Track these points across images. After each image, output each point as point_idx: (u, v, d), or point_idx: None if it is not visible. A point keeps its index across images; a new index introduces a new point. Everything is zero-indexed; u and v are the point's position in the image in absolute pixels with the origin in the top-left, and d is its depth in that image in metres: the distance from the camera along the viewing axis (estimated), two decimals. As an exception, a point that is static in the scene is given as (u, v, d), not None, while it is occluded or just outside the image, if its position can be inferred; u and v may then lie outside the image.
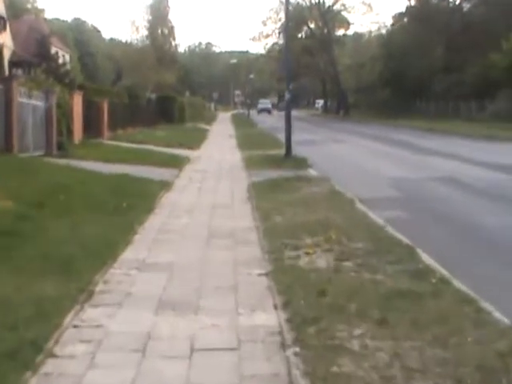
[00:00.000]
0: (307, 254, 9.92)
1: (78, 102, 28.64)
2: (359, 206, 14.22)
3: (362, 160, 27.75)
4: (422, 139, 40.78)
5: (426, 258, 9.48)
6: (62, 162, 20.56)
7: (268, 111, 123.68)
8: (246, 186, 18.25)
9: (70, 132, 26.17)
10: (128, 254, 10.08)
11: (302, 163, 23.58)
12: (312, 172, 21.46)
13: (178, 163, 24.49)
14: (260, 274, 8.97)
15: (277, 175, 20.28)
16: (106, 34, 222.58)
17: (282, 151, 28.70)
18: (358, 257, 9.60)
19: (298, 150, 25.96)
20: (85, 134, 29.48)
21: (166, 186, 18.13)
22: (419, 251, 9.80)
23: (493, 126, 48.21)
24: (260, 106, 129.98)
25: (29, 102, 21.78)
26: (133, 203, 14.21)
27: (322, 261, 9.47)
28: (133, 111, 43.47)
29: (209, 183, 19.61)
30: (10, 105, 19.69)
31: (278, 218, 12.84)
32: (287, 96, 25.42)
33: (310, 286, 8.09)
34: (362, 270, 8.93)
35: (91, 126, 31.23)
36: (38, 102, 22.76)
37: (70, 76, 56.73)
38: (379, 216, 13.10)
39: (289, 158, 24.88)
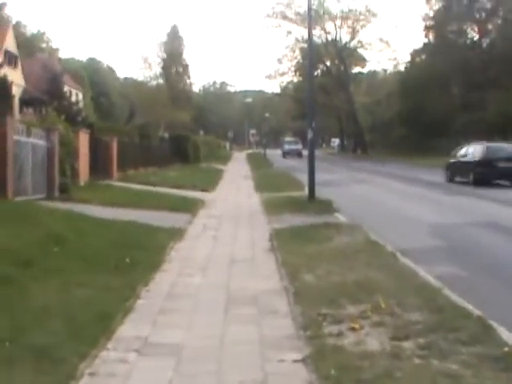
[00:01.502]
0: (353, 329, 7.84)
1: (84, 141, 26.72)
2: (403, 260, 12.11)
3: (391, 202, 25.65)
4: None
5: (508, 336, 7.36)
6: (63, 206, 18.58)
7: (298, 154, 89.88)
8: (268, 235, 16.17)
9: (74, 173, 24.22)
10: (127, 330, 8.04)
11: (327, 207, 21.49)
12: (340, 217, 19.35)
13: (191, 207, 22.45)
14: (295, 361, 6.88)
15: (300, 221, 18.23)
16: (121, 73, 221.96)
17: (303, 193, 26.87)
18: (418, 334, 7.51)
19: (319, 192, 23.85)
20: (92, 175, 27.56)
21: (176, 234, 16.09)
22: (495, 325, 7.69)
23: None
24: (287, 148, 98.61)
25: (27, 141, 19.85)
26: (137, 257, 12.17)
27: (374, 340, 7.39)
28: (145, 151, 41.59)
29: (225, 231, 17.52)
30: (4, 143, 17.72)
31: (308, 277, 10.74)
32: (310, 134, 23.39)
33: (363, 382, 6.03)
34: (428, 354, 6.85)
35: (99, 166, 29.33)
36: (39, 141, 20.84)
37: (82, 115, 55.30)
38: (430, 273, 11.01)
39: (312, 201, 22.77)
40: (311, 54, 25.85)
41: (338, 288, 9.81)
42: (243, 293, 10.07)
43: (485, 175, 33.42)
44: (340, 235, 15.21)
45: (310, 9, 25.65)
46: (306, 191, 26.98)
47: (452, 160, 39.38)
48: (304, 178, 34.38)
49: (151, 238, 14.83)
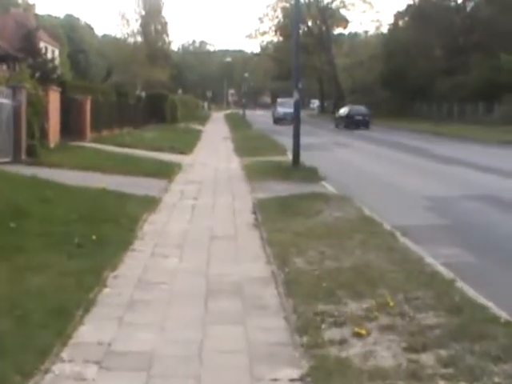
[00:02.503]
0: (358, 335, 6.55)
1: (54, 100, 25.07)
2: (404, 240, 10.80)
3: (379, 170, 24.32)
4: (435, 145, 37.53)
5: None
6: (29, 171, 17.11)
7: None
8: (251, 206, 14.83)
9: (44, 134, 22.66)
10: (86, 332, 6.69)
11: (313, 174, 20.16)
12: (327, 186, 18.04)
13: (167, 172, 21.03)
14: (292, 380, 5.59)
15: (285, 190, 16.95)
16: (100, 31, 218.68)
17: (285, 158, 25.65)
18: (438, 343, 6.24)
19: (301, 156, 22.37)
20: (63, 137, 26.01)
21: (151, 203, 14.70)
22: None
23: (506, 130, 44.94)
24: (281, 111, 71.34)
25: (-11, 99, 18.34)
26: (106, 233, 10.82)
27: (385, 352, 6.12)
28: (120, 110, 39.80)
29: (204, 200, 16.09)
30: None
31: (299, 261, 9.42)
32: (296, 96, 21.95)
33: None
34: (454, 373, 5.60)
35: (71, 127, 27.75)
36: (4, 100, 19.31)
37: (58, 72, 53.46)
38: (436, 257, 9.76)
39: (296, 168, 21.41)
40: (297, 12, 24.29)
41: (334, 276, 8.51)
42: (225, 280, 8.74)
43: (348, 124, 61.02)
44: (330, 208, 13.88)
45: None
46: (289, 156, 25.76)
47: (337, 115, 67.62)
48: (284, 140, 33.24)
49: (123, 208, 13.43)
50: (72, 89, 30.37)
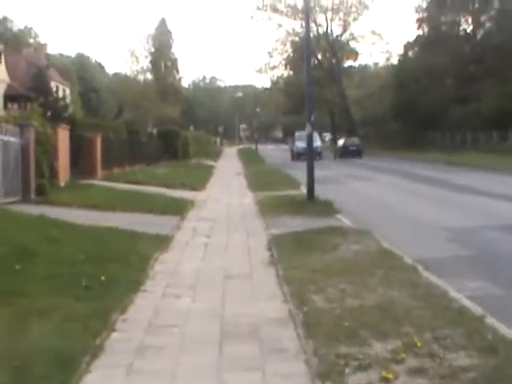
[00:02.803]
0: (385, 379, 6.06)
1: (63, 138, 24.78)
2: (427, 275, 10.30)
3: (397, 202, 23.76)
4: (450, 174, 36.77)
5: None
6: (38, 210, 16.73)
7: (318, 154, 58.54)
8: (266, 242, 14.36)
9: (53, 173, 22.34)
10: (93, 381, 6.25)
11: (328, 208, 19.68)
12: (343, 220, 17.54)
13: (180, 209, 20.62)
14: None
15: (301, 225, 16.48)
16: (110, 69, 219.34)
17: (299, 192, 25.24)
18: (476, 390, 5.74)
19: (316, 190, 21.89)
20: (73, 175, 25.67)
21: (163, 242, 14.25)
22: None
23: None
24: (300, 146, 59.07)
25: (-3, 138, 18.01)
26: (115, 274, 10.39)
27: (417, 400, 5.61)
28: (132, 147, 39.53)
29: (218, 238, 15.61)
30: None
31: (318, 300, 8.94)
32: (308, 129, 21.52)
33: None
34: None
35: (82, 165, 27.46)
36: (11, 138, 18.97)
37: (69, 111, 53.46)
38: (461, 291, 9.29)
39: (311, 202, 20.93)
40: (308, 45, 23.77)
41: (356, 315, 8.02)
42: (241, 321, 8.26)
43: (343, 153, 68.35)
44: (347, 242, 13.40)
45: (307, 3, 23.61)
46: (303, 190, 25.36)
47: (336, 147, 74.86)
48: (298, 174, 32.82)
49: (133, 247, 12.98)
50: (82, 127, 30.10)
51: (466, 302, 8.61)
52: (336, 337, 7.23)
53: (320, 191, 22.10)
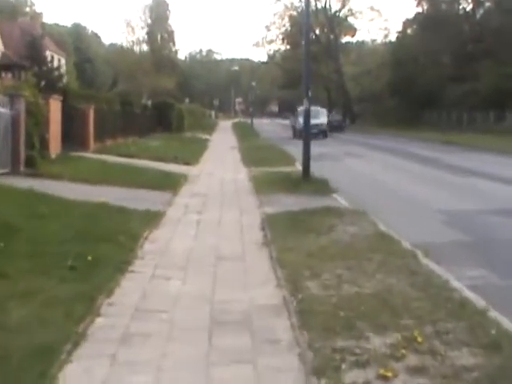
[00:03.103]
0: (384, 377, 5.71)
1: (55, 109, 24.23)
2: (426, 261, 9.93)
3: (391, 181, 23.42)
4: (447, 154, 36.40)
5: None
6: (26, 183, 16.28)
7: (321, 132, 58.11)
8: (259, 221, 13.97)
9: (44, 144, 21.80)
10: (73, 373, 5.87)
11: (324, 186, 19.30)
12: (339, 200, 17.15)
13: (172, 184, 20.20)
14: None
15: (295, 203, 16.10)
16: (106, 40, 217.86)
17: (294, 168, 24.88)
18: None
19: (312, 167, 21.44)
20: (65, 147, 25.13)
21: (154, 219, 13.86)
22: None
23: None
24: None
25: (-14, 108, 17.53)
26: (103, 253, 9.98)
27: (419, 403, 5.26)
28: (125, 119, 38.94)
29: (210, 215, 15.21)
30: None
31: (313, 286, 8.57)
32: (306, 104, 21.04)
33: None
34: None
35: (74, 136, 26.89)
36: (1, 109, 18.49)
37: (63, 81, 52.74)
38: (462, 280, 8.96)
39: (306, 180, 20.53)
40: (307, 20, 23.32)
41: (353, 305, 7.65)
42: (232, 308, 7.89)
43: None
44: (344, 224, 13.03)
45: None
46: (298, 166, 25.02)
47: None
48: (293, 150, 32.46)
49: (123, 224, 12.57)
50: (75, 97, 29.51)
51: (468, 293, 8.25)
52: (332, 328, 6.87)
53: (315, 168, 21.66)
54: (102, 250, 10.18)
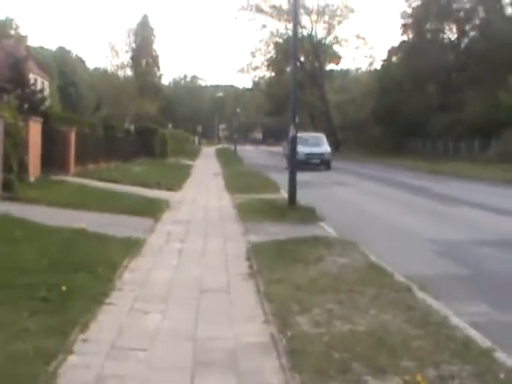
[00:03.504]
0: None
1: (35, 131, 23.61)
2: (422, 296, 9.36)
3: (379, 210, 22.83)
4: (436, 183, 35.81)
5: None
6: (2, 208, 15.67)
7: (323, 163, 49.99)
8: (245, 251, 13.35)
9: (22, 168, 21.17)
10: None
11: (310, 214, 18.71)
12: (326, 228, 16.58)
13: (154, 210, 19.58)
14: None
15: (281, 232, 15.51)
16: (91, 64, 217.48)
17: (279, 196, 24.35)
18: None
19: (297, 194, 20.80)
20: (45, 170, 24.51)
21: (134, 247, 13.24)
22: None
23: (503, 169, 43.53)
24: (303, 151, 41.20)
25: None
26: (79, 283, 9.36)
27: None
28: (108, 143, 38.34)
29: (193, 243, 14.57)
30: None
31: (303, 322, 7.98)
32: (292, 131, 20.49)
33: None
34: None
35: (54, 160, 26.24)
36: (-22, 131, 17.91)
37: (46, 104, 52.07)
38: (462, 316, 8.41)
39: (292, 207, 19.95)
40: (295, 46, 22.75)
41: (347, 344, 7.06)
42: (216, 346, 7.29)
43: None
44: (332, 254, 12.43)
45: (295, 5, 22.82)
46: (283, 194, 24.54)
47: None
48: (277, 177, 31.91)
49: (102, 252, 11.95)
50: (56, 120, 28.90)
51: (470, 331, 7.67)
52: (326, 370, 6.31)
53: (301, 196, 21.07)
54: (78, 279, 9.57)
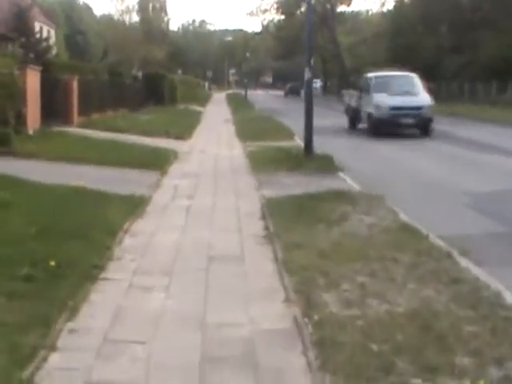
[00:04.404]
0: None
1: (33, 81, 22.22)
2: (465, 263, 8.11)
3: (400, 157, 21.53)
4: (457, 127, 34.16)
5: None
6: (-4, 164, 14.47)
7: (422, 125, 29.19)
8: (259, 208, 12.11)
9: (20, 120, 19.90)
10: None
11: (328, 164, 17.48)
12: (348, 180, 15.31)
13: (161, 162, 18.33)
14: None
15: (299, 185, 14.32)
16: (98, 11, 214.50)
17: (293, 143, 23.00)
18: None
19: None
20: (46, 122, 23.21)
21: (137, 206, 12.02)
22: None
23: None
24: (384, 101, 28.49)
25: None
26: (71, 254, 8.16)
27: None
28: (114, 91, 36.94)
29: (202, 200, 13.33)
30: None
31: (332, 301, 6.76)
32: (307, 74, 19.08)
33: None
34: None
35: (56, 110, 24.95)
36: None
37: (52, 52, 50.75)
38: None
39: (308, 156, 18.65)
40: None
41: (386, 332, 5.86)
42: (229, 335, 6.08)
43: (288, 93, 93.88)
44: (357, 212, 11.19)
45: None
46: (297, 141, 23.24)
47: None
48: (291, 123, 30.58)
49: (101, 214, 10.74)
50: (58, 68, 27.54)
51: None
52: (364, 370, 5.09)
53: (316, 143, 19.70)
54: (70, 249, 8.37)
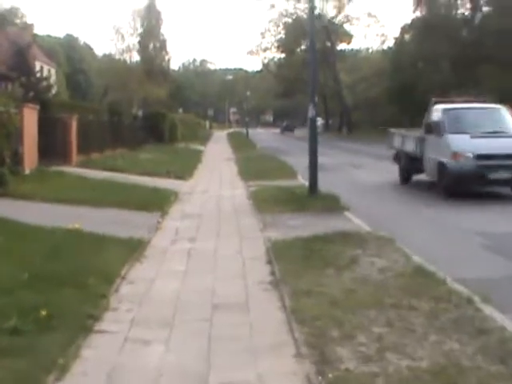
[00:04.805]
0: None
1: (30, 120, 21.76)
2: (489, 311, 7.51)
3: (411, 197, 20.90)
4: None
5: None
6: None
7: None
8: (264, 252, 11.51)
9: (17, 159, 19.40)
10: None
11: (334, 203, 16.86)
12: (354, 220, 14.71)
13: (161, 203, 17.73)
14: None
15: (305, 226, 13.73)
16: (99, 51, 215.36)
17: (297, 182, 22.47)
18: None
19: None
20: (44, 161, 22.69)
21: (135, 250, 11.41)
22: None
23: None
24: (469, 148, 19.50)
25: None
26: (63, 304, 7.61)
27: None
28: (114, 130, 36.53)
29: (204, 243, 12.68)
30: None
31: (347, 355, 6.17)
32: (311, 112, 18.50)
33: None
34: None
35: (54, 149, 24.46)
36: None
37: (53, 92, 50.42)
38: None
39: (313, 195, 18.07)
40: (312, 23, 20.98)
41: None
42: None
43: (283, 130, 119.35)
44: (367, 255, 10.61)
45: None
46: (300, 180, 22.71)
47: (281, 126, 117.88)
48: (293, 161, 30.15)
49: (97, 259, 10.13)
50: (57, 107, 27.13)
51: None
52: None
53: (319, 181, 19.08)
54: (63, 298, 7.82)
